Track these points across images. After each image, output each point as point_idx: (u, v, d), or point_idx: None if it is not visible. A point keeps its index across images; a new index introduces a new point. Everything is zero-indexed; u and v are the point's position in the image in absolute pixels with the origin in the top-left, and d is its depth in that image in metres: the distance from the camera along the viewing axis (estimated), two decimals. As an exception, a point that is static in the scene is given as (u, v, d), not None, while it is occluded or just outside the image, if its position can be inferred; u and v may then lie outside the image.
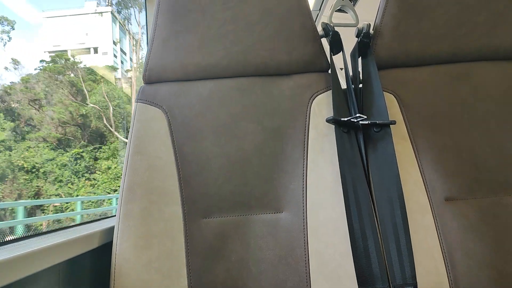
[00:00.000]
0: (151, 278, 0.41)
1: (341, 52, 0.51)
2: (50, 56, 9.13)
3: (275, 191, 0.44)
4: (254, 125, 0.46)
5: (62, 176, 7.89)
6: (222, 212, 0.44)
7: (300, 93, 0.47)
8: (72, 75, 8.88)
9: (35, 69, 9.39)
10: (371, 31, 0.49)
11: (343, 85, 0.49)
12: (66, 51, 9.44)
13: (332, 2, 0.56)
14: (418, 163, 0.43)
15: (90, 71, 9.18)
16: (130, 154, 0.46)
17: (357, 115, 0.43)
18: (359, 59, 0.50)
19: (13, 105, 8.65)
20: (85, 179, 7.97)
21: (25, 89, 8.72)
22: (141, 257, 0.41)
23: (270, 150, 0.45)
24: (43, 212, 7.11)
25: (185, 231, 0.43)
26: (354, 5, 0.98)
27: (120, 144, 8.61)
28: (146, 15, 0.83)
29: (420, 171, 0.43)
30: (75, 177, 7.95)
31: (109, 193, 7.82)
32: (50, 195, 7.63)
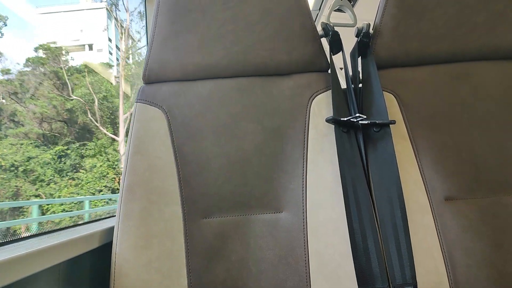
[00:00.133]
0: (151, 278, 0.41)
1: (341, 51, 0.52)
2: (34, 48, 8.75)
3: (275, 191, 0.44)
4: (254, 125, 0.46)
5: (44, 175, 7.50)
6: (222, 212, 0.44)
7: (300, 93, 0.47)
8: (57, 67, 8.47)
9: (19, 64, 9.02)
10: (371, 30, 0.49)
11: (343, 85, 0.49)
12: (60, 47, 9.16)
13: (332, 1, 0.56)
14: (417, 162, 0.43)
15: (83, 66, 8.89)
16: (130, 154, 0.45)
17: (357, 114, 0.43)
18: (359, 59, 0.50)
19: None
20: (68, 179, 7.59)
21: (5, 81, 8.35)
22: (141, 257, 0.41)
23: (270, 150, 0.45)
24: (22, 215, 6.69)
25: (185, 231, 0.43)
26: (353, 5, 0.99)
27: (108, 141, 8.19)
28: (145, 15, 0.83)
29: (419, 170, 0.43)
30: (58, 176, 7.56)
31: (93, 194, 7.48)
32: (30, 196, 7.21)
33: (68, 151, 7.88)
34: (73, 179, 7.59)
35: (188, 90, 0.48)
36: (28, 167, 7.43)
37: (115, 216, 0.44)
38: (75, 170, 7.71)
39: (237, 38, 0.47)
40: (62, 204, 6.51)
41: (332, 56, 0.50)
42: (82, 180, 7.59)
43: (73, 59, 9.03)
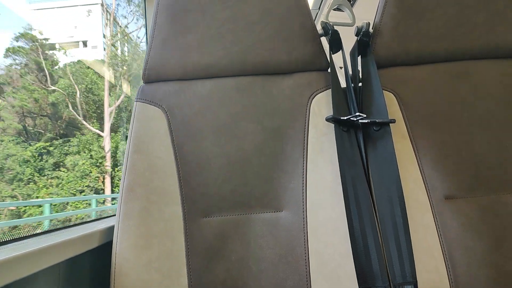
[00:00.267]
0: (151, 277, 0.41)
1: (341, 51, 0.52)
2: (15, 37, 8.17)
3: (275, 191, 0.44)
4: (254, 124, 0.46)
5: (23, 174, 6.85)
6: (222, 212, 0.44)
7: (300, 92, 0.47)
8: (41, 58, 7.75)
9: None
10: (371, 30, 0.49)
11: (343, 84, 0.49)
12: (54, 44, 8.82)
13: (331, 0, 0.56)
14: (417, 161, 0.44)
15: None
16: (129, 154, 0.45)
17: (357, 113, 0.43)
18: (359, 58, 0.50)
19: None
20: (48, 178, 7.04)
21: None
22: (141, 256, 0.41)
23: (270, 150, 0.45)
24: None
25: (185, 230, 0.43)
26: (353, 4, 0.99)
27: (94, 137, 7.52)
28: (145, 14, 0.83)
29: (419, 169, 0.43)
30: (38, 175, 6.94)
31: (74, 195, 7.04)
32: (5, 197, 6.71)
33: (51, 148, 7.21)
34: (53, 178, 7.02)
35: (187, 89, 0.48)
36: (5, 165, 6.95)
37: (115, 215, 0.44)
38: (57, 169, 7.29)
39: (236, 38, 0.47)
40: (40, 206, 6.09)
41: (332, 55, 0.50)
42: (62, 180, 7.01)
43: (65, 55, 8.65)
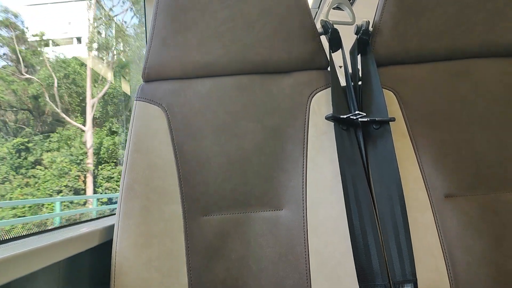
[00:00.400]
0: (151, 276, 0.41)
1: (340, 49, 0.52)
2: None
3: (275, 190, 0.44)
4: (253, 123, 0.46)
5: None
6: (222, 211, 0.44)
7: (300, 91, 0.47)
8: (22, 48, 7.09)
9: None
10: (370, 28, 0.49)
11: (343, 83, 0.49)
12: (47, 41, 8.36)
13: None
14: (417, 160, 0.44)
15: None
16: (129, 152, 0.45)
17: (357, 112, 0.43)
18: (358, 56, 0.50)
19: None
20: (24, 177, 6.41)
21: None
22: (141, 255, 0.41)
23: (270, 149, 0.45)
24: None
25: (185, 229, 0.43)
26: (352, 3, 0.99)
27: (78, 132, 6.96)
28: (144, 14, 0.83)
29: (419, 168, 0.43)
30: (15, 173, 6.37)
31: (51, 195, 6.37)
32: None
33: (30, 145, 6.69)
34: (30, 177, 6.43)
35: (187, 88, 0.48)
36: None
37: (114, 214, 0.44)
38: (35, 167, 6.73)
39: (236, 37, 0.47)
40: (14, 208, 5.62)
41: (332, 54, 0.50)
42: (39, 179, 6.45)
43: (54, 51, 8.13)
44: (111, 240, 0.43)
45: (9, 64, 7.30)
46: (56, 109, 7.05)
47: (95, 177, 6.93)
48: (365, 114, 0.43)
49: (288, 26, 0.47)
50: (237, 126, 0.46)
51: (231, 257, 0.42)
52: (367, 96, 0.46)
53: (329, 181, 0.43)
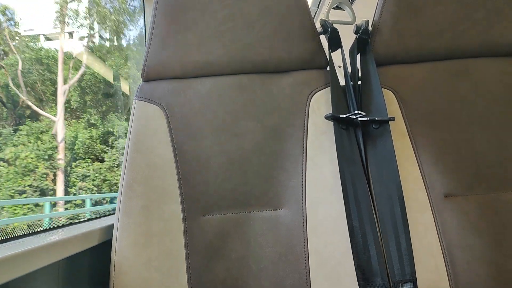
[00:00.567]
0: (150, 276, 0.40)
1: (340, 49, 0.52)
2: None
3: (275, 189, 0.44)
4: (253, 123, 0.46)
5: None
6: (222, 210, 0.44)
7: (299, 90, 0.47)
8: None
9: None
10: (370, 28, 0.49)
11: (342, 82, 0.49)
12: (38, 35, 7.49)
13: None
14: (417, 159, 0.44)
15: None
16: (128, 152, 0.45)
17: (356, 111, 0.43)
18: (358, 56, 0.50)
19: None
20: None
21: None
22: (141, 255, 0.41)
23: (270, 148, 0.45)
24: None
25: (185, 229, 0.43)
26: (352, 2, 0.99)
27: (51, 124, 6.09)
28: (144, 13, 0.83)
29: (419, 167, 0.43)
30: None
31: (12, 197, 5.41)
32: None
33: None
34: None
35: (187, 88, 0.48)
36: None
37: (114, 214, 0.44)
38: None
39: (236, 36, 0.47)
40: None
41: (331, 53, 0.50)
42: (1, 177, 5.67)
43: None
44: (111, 240, 0.42)
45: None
46: (20, 95, 6.24)
47: (68, 175, 6.18)
48: (364, 113, 0.43)
49: (288, 25, 0.47)
50: (237, 125, 0.46)
51: (231, 257, 0.42)
52: (367, 96, 0.46)
53: (329, 180, 0.43)
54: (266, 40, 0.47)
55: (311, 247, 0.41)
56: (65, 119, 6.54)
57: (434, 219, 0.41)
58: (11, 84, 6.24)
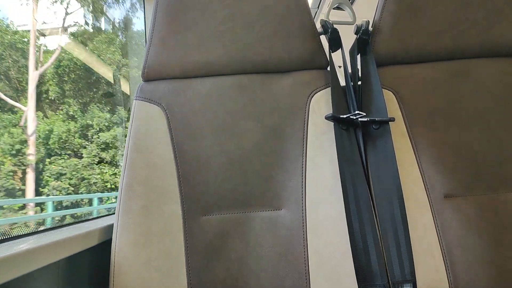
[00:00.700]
0: (150, 276, 0.40)
1: (340, 49, 0.52)
2: None
3: (275, 189, 0.44)
4: (253, 123, 0.46)
5: None
6: (222, 211, 0.44)
7: (299, 91, 0.47)
8: None
9: None
10: (370, 28, 0.49)
11: (342, 83, 0.49)
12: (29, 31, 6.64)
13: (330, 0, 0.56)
14: (417, 160, 0.44)
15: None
16: (129, 152, 0.45)
17: (356, 112, 0.43)
18: (358, 56, 0.50)
19: None
20: None
21: None
22: (141, 255, 0.41)
23: (270, 149, 0.45)
24: None
25: (185, 229, 0.43)
26: (352, 2, 0.99)
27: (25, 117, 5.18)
28: (144, 13, 0.83)
29: (419, 168, 0.43)
30: None
31: None
32: None
33: None
34: None
35: (187, 88, 0.48)
36: None
37: (114, 214, 0.44)
38: None
39: (236, 36, 0.47)
40: None
41: (332, 54, 0.50)
42: None
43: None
44: (111, 240, 0.42)
45: None
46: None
47: (39, 173, 5.41)
48: (364, 114, 0.43)
49: (288, 25, 0.48)
50: (237, 125, 0.46)
51: (230, 257, 0.42)
52: (367, 96, 0.46)
53: (329, 181, 0.43)
54: (266, 40, 0.48)
55: (311, 247, 0.41)
56: (42, 110, 5.79)
57: (434, 220, 0.42)
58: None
